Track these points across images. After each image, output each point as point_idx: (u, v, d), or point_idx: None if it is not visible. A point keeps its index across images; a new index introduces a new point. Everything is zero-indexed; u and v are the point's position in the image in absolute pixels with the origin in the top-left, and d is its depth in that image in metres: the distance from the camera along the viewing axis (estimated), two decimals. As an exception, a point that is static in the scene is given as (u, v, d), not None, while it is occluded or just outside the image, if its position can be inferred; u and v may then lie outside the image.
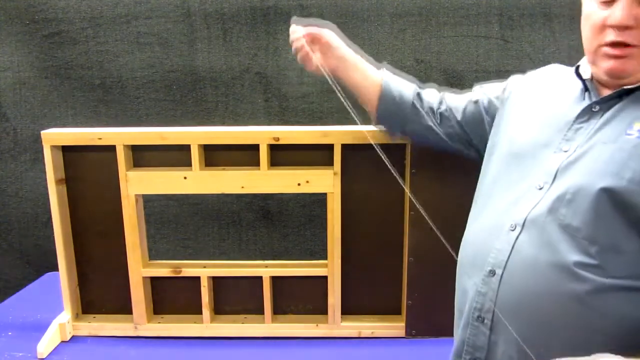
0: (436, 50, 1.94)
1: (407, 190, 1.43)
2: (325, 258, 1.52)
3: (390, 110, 1.20)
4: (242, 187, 1.47)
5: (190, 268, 1.54)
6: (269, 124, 1.97)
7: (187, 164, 1.46)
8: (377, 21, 1.92)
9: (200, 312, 1.55)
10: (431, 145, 1.23)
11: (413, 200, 1.22)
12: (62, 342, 1.51)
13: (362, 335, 1.54)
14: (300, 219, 2.06)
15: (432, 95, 1.21)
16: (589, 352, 0.72)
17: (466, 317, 0.93)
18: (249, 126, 1.51)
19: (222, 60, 1.97)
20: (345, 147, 1.45)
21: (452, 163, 1.41)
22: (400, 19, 1.93)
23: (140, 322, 1.55)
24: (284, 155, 1.49)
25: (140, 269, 1.52)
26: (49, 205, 1.48)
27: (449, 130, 1.18)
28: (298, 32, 1.15)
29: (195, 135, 1.45)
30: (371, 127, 1.33)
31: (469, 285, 0.93)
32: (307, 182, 1.46)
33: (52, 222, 1.49)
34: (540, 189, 0.87)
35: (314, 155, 1.48)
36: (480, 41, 1.93)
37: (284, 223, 2.06)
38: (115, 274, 1.54)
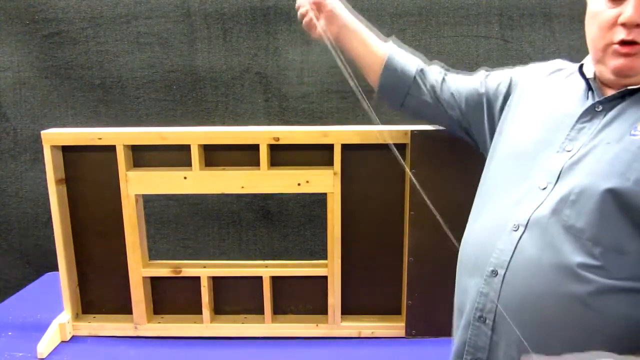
0: (436, 50, 1.94)
1: (407, 170, 1.42)
2: (325, 258, 1.52)
3: (392, 83, 1.21)
4: (242, 187, 1.47)
5: (190, 268, 1.54)
6: (269, 124, 1.97)
7: (187, 164, 1.46)
8: (377, 21, 1.92)
9: (200, 312, 1.55)
10: (429, 121, 1.28)
11: (413, 179, 1.21)
12: (62, 342, 1.51)
13: (362, 335, 1.54)
14: (300, 219, 2.06)
15: (436, 74, 1.21)
16: (589, 353, 0.72)
17: (467, 317, 0.92)
18: (249, 126, 1.51)
19: (222, 60, 1.96)
20: (345, 147, 1.45)
21: (452, 163, 1.42)
22: (400, 19, 1.93)
23: (140, 322, 1.55)
24: (284, 155, 1.49)
25: (140, 269, 1.52)
26: (49, 205, 1.47)
27: (449, 112, 1.18)
28: None
29: (195, 135, 1.45)
30: (371, 128, 1.34)
31: (470, 285, 0.92)
32: (307, 182, 1.46)
33: (52, 222, 1.49)
34: (544, 189, 0.86)
35: (314, 155, 1.48)
36: (480, 41, 1.93)
37: (284, 223, 2.06)
38: (115, 274, 1.54)
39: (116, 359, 1.44)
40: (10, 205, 2.08)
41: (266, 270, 1.54)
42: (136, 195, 1.49)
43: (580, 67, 0.94)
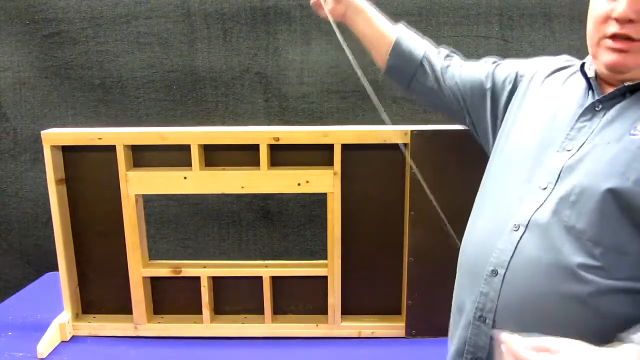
0: (436, 50, 1.94)
1: (415, 171, 1.42)
2: (325, 258, 1.52)
3: (399, 65, 1.21)
4: (242, 187, 1.47)
5: (190, 268, 1.54)
6: (269, 124, 1.97)
7: (187, 164, 1.46)
8: (377, 21, 1.92)
9: (200, 312, 1.55)
10: (434, 106, 1.25)
11: (420, 178, 1.21)
12: (62, 342, 1.51)
13: (362, 335, 1.54)
14: (300, 219, 2.06)
15: (442, 61, 1.20)
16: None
17: (467, 316, 0.92)
18: (249, 126, 1.51)
19: (222, 60, 1.96)
20: (345, 147, 1.45)
21: (452, 163, 1.42)
22: (400, 19, 1.92)
23: (140, 322, 1.55)
24: (284, 155, 1.49)
25: (140, 269, 1.52)
26: (49, 205, 1.48)
27: (453, 102, 1.17)
28: None
29: (195, 135, 1.45)
30: (371, 128, 1.34)
31: (470, 285, 0.92)
32: (307, 182, 1.46)
33: (52, 222, 1.49)
34: (544, 189, 0.86)
35: (314, 155, 1.48)
36: (480, 41, 1.93)
37: (284, 223, 2.06)
38: (115, 274, 1.54)
39: (116, 359, 1.44)
40: (10, 205, 2.08)
41: (266, 270, 1.54)
42: (136, 195, 1.49)
43: (582, 66, 0.94)
